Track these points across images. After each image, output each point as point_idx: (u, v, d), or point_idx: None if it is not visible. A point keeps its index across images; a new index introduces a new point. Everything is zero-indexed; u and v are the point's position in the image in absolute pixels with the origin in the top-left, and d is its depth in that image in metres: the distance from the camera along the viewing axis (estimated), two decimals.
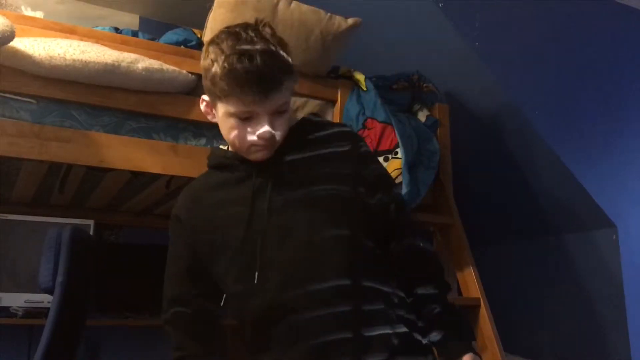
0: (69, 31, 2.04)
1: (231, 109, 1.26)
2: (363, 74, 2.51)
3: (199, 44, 2.33)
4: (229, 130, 1.30)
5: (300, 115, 2.41)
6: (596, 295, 2.71)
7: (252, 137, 1.28)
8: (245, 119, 1.27)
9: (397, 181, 2.31)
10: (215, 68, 1.24)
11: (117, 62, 1.97)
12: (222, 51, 1.23)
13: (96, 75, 1.95)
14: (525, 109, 2.63)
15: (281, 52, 1.27)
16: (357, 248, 1.30)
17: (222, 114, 1.30)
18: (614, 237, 2.61)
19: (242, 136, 1.29)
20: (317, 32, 2.33)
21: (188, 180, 2.37)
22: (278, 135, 1.30)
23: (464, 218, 2.65)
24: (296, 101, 2.39)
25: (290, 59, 1.30)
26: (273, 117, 1.28)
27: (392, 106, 2.55)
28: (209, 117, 1.37)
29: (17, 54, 1.84)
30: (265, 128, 1.27)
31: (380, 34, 2.94)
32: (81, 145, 1.96)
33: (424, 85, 2.71)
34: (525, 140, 2.71)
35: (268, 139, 1.28)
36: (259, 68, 1.21)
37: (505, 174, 2.85)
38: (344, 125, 1.51)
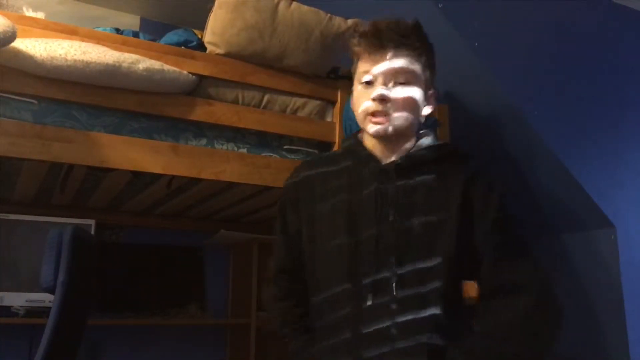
0: (70, 32, 2.04)
1: (359, 71, 1.36)
2: None
3: (200, 45, 2.34)
4: (356, 100, 1.38)
5: (301, 114, 2.42)
6: (595, 295, 2.70)
7: (368, 103, 1.33)
8: (367, 84, 1.33)
9: None
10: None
11: (118, 62, 1.98)
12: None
13: (97, 75, 1.95)
14: (525, 109, 2.63)
15: (411, 33, 1.35)
16: None
17: (355, 83, 1.38)
18: (613, 237, 2.61)
19: (361, 103, 1.35)
20: (317, 33, 2.34)
21: (189, 180, 2.39)
22: (396, 105, 1.31)
23: None
24: (296, 101, 2.40)
25: (423, 43, 1.36)
26: (392, 84, 1.32)
27: None
28: (353, 107, 1.41)
29: (19, 55, 1.85)
30: (379, 90, 1.30)
31: None
32: (82, 145, 1.97)
33: None
34: (524, 140, 2.71)
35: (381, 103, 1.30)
36: (379, 28, 1.34)
37: (503, 174, 2.85)
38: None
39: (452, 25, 2.62)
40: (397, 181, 1.33)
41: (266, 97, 2.34)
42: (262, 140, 2.34)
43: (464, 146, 2.78)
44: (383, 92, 1.30)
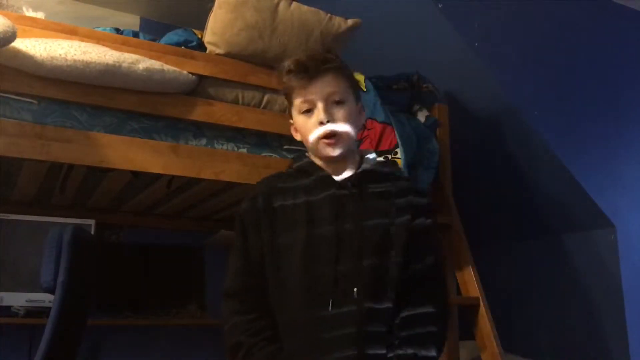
0: (70, 32, 2.04)
1: (295, 103, 1.46)
2: (363, 74, 2.51)
3: (200, 45, 2.34)
4: (303, 130, 1.48)
5: None
6: (595, 294, 2.71)
7: (317, 129, 1.43)
8: (307, 112, 1.45)
9: None
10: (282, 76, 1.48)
11: (118, 62, 1.98)
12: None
13: (97, 75, 1.95)
14: (525, 109, 2.63)
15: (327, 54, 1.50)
16: None
17: (294, 116, 1.49)
18: (613, 237, 2.61)
19: (310, 131, 1.45)
20: (317, 33, 2.34)
21: (189, 180, 2.39)
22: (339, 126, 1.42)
23: (463, 218, 2.65)
24: None
25: (342, 64, 1.49)
26: (329, 106, 1.43)
27: (391, 106, 2.55)
28: (296, 137, 1.53)
29: (19, 55, 1.85)
30: (323, 114, 1.42)
31: (380, 34, 2.94)
32: (82, 145, 1.97)
33: (424, 85, 2.71)
34: (524, 140, 2.71)
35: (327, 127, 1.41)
36: (301, 61, 1.45)
37: (504, 174, 2.85)
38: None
39: (452, 25, 2.62)
40: (355, 199, 1.45)
41: (266, 97, 2.34)
42: (262, 140, 2.34)
43: (464, 146, 2.80)
44: (325, 115, 1.42)
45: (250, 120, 2.28)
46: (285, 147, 2.38)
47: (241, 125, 2.26)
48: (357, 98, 1.53)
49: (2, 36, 1.73)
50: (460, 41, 2.62)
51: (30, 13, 2.34)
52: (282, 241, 1.43)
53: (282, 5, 2.29)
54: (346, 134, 1.43)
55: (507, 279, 3.10)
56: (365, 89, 2.48)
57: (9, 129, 1.87)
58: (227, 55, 2.27)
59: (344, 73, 1.48)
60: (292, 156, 2.37)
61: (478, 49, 2.61)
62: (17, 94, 1.91)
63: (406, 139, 2.41)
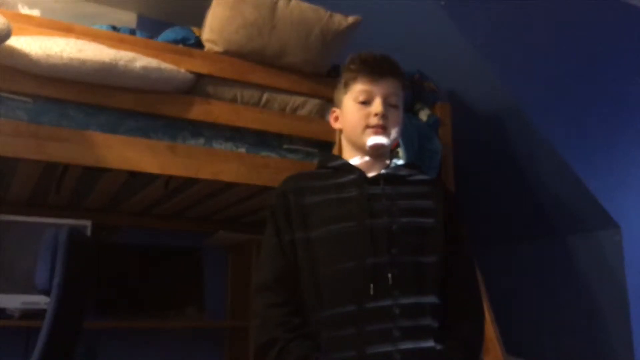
0: (66, 29, 2.03)
1: (355, 90, 1.52)
2: None
3: (198, 43, 2.33)
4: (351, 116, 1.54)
5: (300, 113, 2.40)
6: (599, 295, 2.70)
7: (369, 117, 1.50)
8: (363, 103, 1.51)
9: None
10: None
11: (115, 60, 1.96)
12: None
13: (93, 73, 1.94)
14: (528, 108, 2.62)
15: (398, 67, 1.58)
16: None
17: (345, 103, 1.55)
18: (618, 238, 2.61)
19: (359, 118, 1.51)
20: (317, 31, 2.32)
21: (186, 180, 2.37)
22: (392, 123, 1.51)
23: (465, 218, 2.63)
24: (295, 100, 2.38)
25: (404, 77, 1.60)
26: (385, 105, 1.50)
27: None
28: (335, 125, 1.61)
29: (14, 53, 1.83)
30: (381, 107, 1.49)
31: (381, 32, 2.92)
32: (78, 144, 1.96)
33: (426, 84, 2.70)
34: (527, 139, 2.70)
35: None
36: (377, 57, 1.55)
37: (507, 174, 2.84)
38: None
39: (454, 24, 2.61)
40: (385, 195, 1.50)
41: (265, 96, 2.32)
42: (261, 139, 2.33)
43: (466, 146, 2.79)
44: (384, 109, 1.50)
45: (249, 119, 2.27)
46: (284, 146, 2.37)
47: (240, 124, 2.25)
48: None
49: None
50: (462, 39, 2.61)
51: (25, 10, 2.34)
52: (315, 237, 1.45)
53: (281, 2, 2.27)
54: (393, 134, 1.52)
55: (511, 281, 3.09)
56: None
57: (3, 128, 1.85)
58: (226, 53, 2.26)
59: (404, 85, 1.59)
60: (291, 156, 2.36)
61: (480, 47, 2.60)
62: (12, 93, 1.90)
63: (407, 138, 2.40)
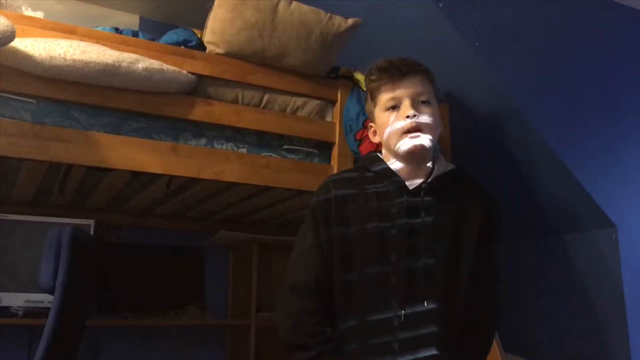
0: (70, 31, 2.04)
1: (382, 100, 1.49)
2: (363, 74, 2.51)
3: (199, 44, 2.33)
4: (384, 126, 1.50)
5: (301, 114, 2.41)
6: (596, 295, 2.70)
7: (401, 122, 1.46)
8: (393, 109, 1.48)
9: None
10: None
11: (118, 62, 1.97)
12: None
13: (96, 75, 1.95)
14: (525, 109, 2.62)
15: (417, 62, 1.52)
16: None
17: (377, 115, 1.52)
18: (614, 237, 2.61)
19: (392, 124, 1.47)
20: (317, 32, 2.33)
21: (188, 180, 2.38)
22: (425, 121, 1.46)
23: None
24: (296, 101, 2.39)
25: (428, 69, 1.53)
26: (416, 104, 1.47)
27: None
28: (375, 139, 1.57)
29: (18, 54, 1.84)
30: (410, 110, 1.45)
31: (381, 34, 2.93)
32: (81, 145, 1.96)
33: None
34: (525, 140, 2.70)
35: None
36: (393, 61, 1.50)
37: (505, 174, 2.84)
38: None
39: (453, 25, 2.61)
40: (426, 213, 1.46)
41: (266, 97, 2.33)
42: (262, 140, 2.34)
43: (464, 146, 2.79)
44: (414, 110, 1.45)
45: (250, 120, 2.27)
46: (285, 146, 2.38)
47: (241, 125, 2.26)
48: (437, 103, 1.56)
49: (1, 36, 1.73)
50: (460, 40, 2.61)
51: (29, 12, 2.33)
52: (352, 241, 1.44)
53: (282, 4, 2.28)
54: (430, 127, 1.46)
55: (508, 279, 3.08)
56: (365, 89, 2.47)
57: (7, 129, 1.86)
58: (227, 54, 2.27)
59: (431, 78, 1.53)
60: (292, 156, 2.37)
61: (478, 48, 2.60)
62: (15, 94, 1.91)
63: None
